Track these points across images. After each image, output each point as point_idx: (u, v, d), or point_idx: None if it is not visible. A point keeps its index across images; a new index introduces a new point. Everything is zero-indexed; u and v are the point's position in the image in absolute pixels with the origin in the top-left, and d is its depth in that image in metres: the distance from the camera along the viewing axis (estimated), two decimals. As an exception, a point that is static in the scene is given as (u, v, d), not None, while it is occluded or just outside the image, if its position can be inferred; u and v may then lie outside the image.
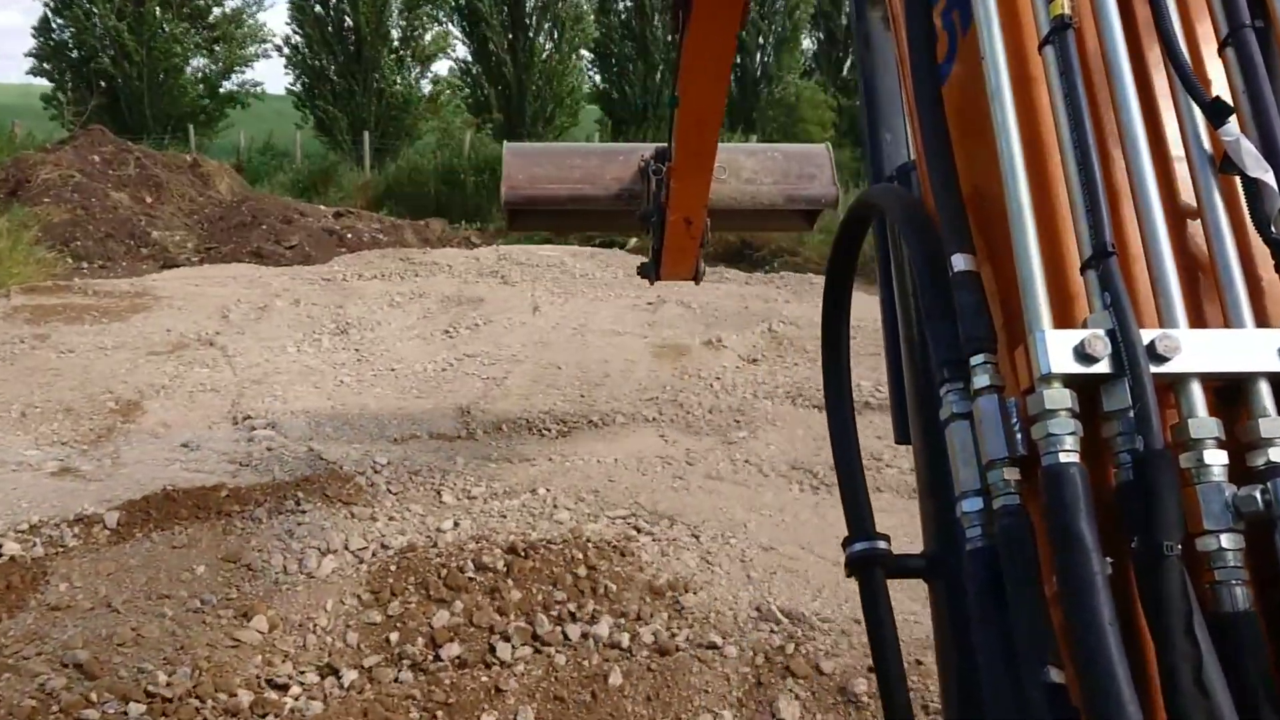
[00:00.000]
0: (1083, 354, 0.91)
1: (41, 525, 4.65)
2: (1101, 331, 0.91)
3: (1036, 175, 1.03)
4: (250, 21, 33.39)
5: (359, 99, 29.64)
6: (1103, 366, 0.91)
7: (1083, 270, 0.96)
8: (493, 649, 3.81)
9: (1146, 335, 0.91)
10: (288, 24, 32.50)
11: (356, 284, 11.21)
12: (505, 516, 4.90)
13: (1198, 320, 0.97)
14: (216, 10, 32.51)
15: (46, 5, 29.99)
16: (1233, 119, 0.98)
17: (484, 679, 3.66)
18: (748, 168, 5.34)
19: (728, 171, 5.24)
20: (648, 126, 28.64)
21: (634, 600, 4.14)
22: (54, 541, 4.51)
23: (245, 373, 7.61)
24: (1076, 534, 0.86)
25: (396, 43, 30.89)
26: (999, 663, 0.93)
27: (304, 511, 4.87)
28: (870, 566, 1.29)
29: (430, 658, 3.77)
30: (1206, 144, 1.01)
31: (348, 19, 29.73)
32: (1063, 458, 0.89)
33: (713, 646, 3.86)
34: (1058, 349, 0.91)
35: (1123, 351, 0.90)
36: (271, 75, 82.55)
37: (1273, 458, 0.88)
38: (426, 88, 32.63)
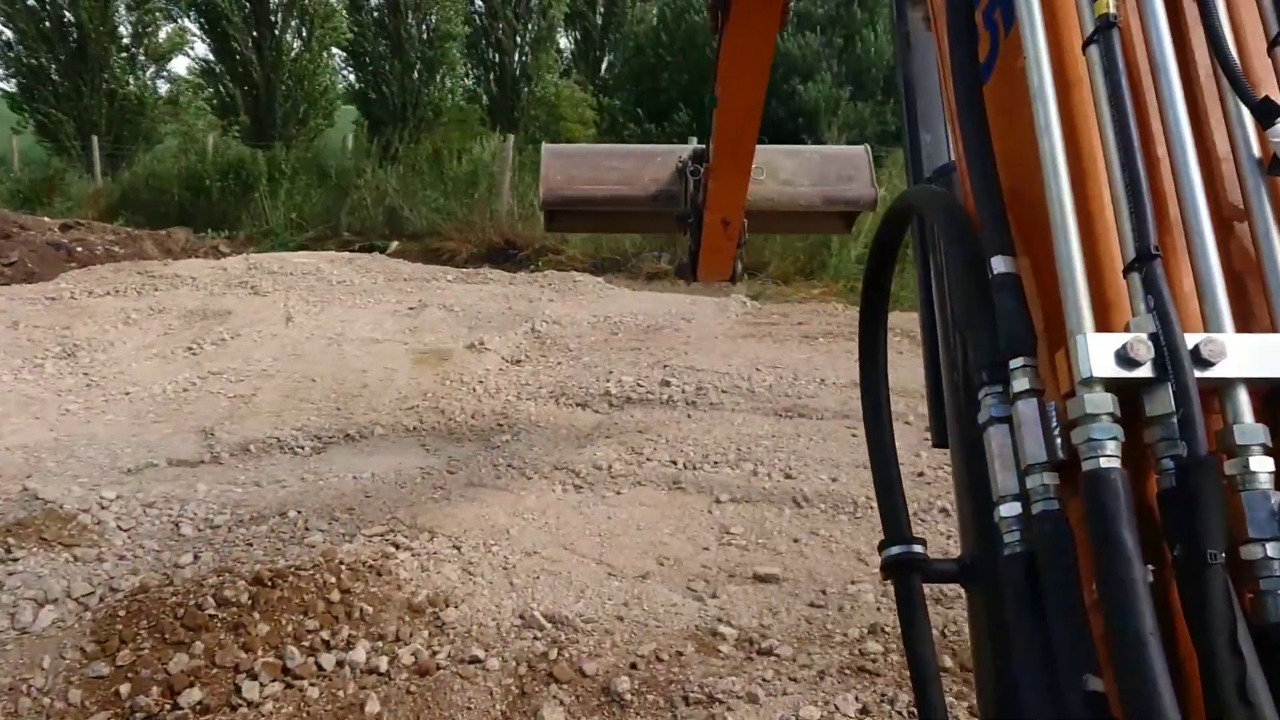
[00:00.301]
0: (1125, 358, 0.89)
1: None
2: (1144, 335, 0.90)
3: (1079, 176, 1.01)
4: (-49, 14, 30.14)
5: (86, 100, 27.30)
6: (1145, 371, 0.89)
7: (1125, 273, 0.94)
8: (238, 689, 3.55)
9: (1191, 339, 0.89)
10: (-3, 17, 29.53)
11: (87, 302, 10.29)
12: (251, 545, 4.60)
13: (1244, 325, 0.94)
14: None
15: None
16: None
17: (227, 723, 3.40)
18: (786, 168, 5.30)
19: (765, 173, 5.19)
20: (406, 127, 27.96)
21: (392, 621, 3.98)
22: None
23: (-50, 407, 6.81)
24: (1118, 540, 0.85)
25: (127, 40, 28.68)
26: (1037, 670, 0.92)
27: (15, 560, 4.38)
28: (906, 571, 1.26)
29: (168, 707, 3.47)
30: (1255, 145, 1.00)
31: (67, 14, 27.32)
32: (1104, 463, 0.88)
33: (475, 660, 3.76)
34: (1099, 352, 0.90)
35: (1166, 356, 0.88)
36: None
37: None
38: (164, 88, 30.51)
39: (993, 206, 1.09)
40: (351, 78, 31.42)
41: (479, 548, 4.63)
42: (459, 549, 4.62)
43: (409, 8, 29.68)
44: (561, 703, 3.55)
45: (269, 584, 4.12)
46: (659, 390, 6.96)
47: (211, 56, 29.41)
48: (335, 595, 4.07)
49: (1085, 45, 1.04)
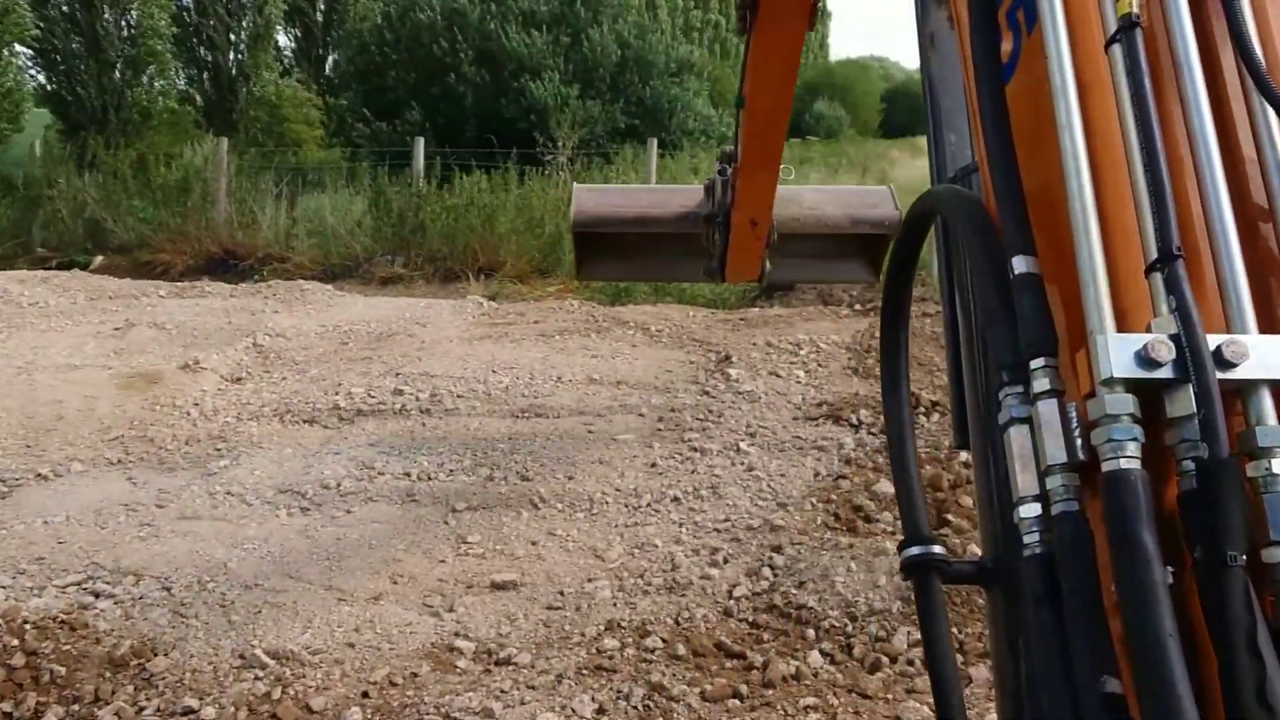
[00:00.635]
0: (1146, 358, 0.88)
1: None
2: (1165, 336, 0.88)
3: (1101, 176, 1.00)
4: None
5: None
6: (1166, 372, 0.87)
7: (1147, 273, 0.93)
8: (-103, 782, 3.09)
9: (1213, 340, 0.87)
10: None
11: None
12: (-85, 612, 4.03)
13: (1268, 326, 0.93)
14: None
15: None
16: None
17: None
18: (809, 199, 5.49)
19: (790, 203, 5.31)
20: (106, 132, 25.71)
21: (89, 680, 3.59)
22: None
23: None
24: (1137, 542, 0.83)
25: None
26: (1056, 671, 0.90)
27: None
28: (925, 572, 1.22)
29: None
30: (1279, 145, 0.99)
31: None
32: (1124, 464, 0.86)
33: (189, 712, 3.45)
34: (1120, 353, 0.88)
35: (1188, 356, 0.86)
36: None
37: None
38: None
39: (1014, 206, 1.08)
40: (41, 78, 28.57)
41: (192, 587, 4.27)
42: (169, 590, 4.25)
43: (105, 2, 27.31)
44: (286, 745, 3.33)
45: (-66, 656, 3.62)
46: (392, 400, 6.73)
47: None
48: (19, 660, 3.63)
49: (1108, 45, 1.04)
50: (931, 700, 3.29)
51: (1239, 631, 0.80)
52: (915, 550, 1.24)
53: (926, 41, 2.06)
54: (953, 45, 1.88)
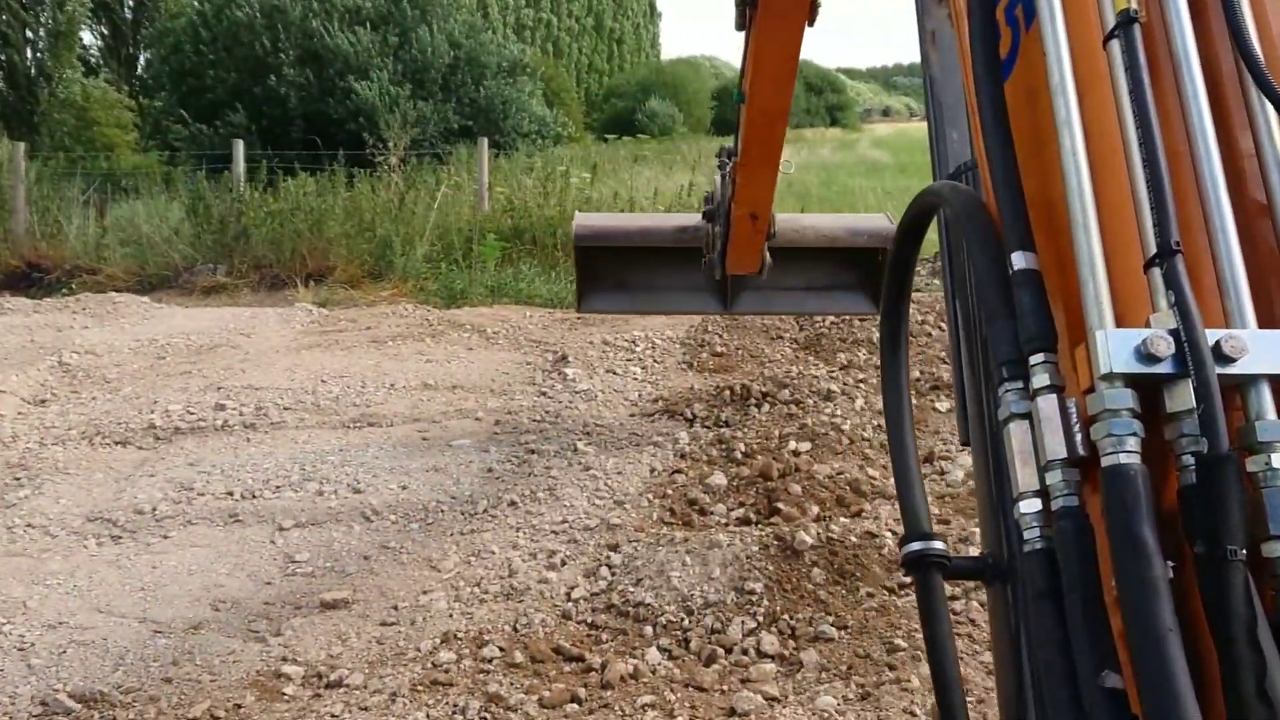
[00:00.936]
0: (1145, 353, 0.87)
1: None
2: (1165, 331, 0.88)
3: (1100, 172, 0.99)
4: None
5: None
6: (1165, 367, 0.87)
7: (1146, 268, 0.92)
8: None
9: (1212, 335, 0.87)
10: None
11: None
12: None
13: (1267, 321, 0.92)
14: None
15: None
16: None
17: None
18: (808, 220, 6.06)
19: (790, 223, 5.67)
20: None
21: None
22: None
23: None
24: (1137, 536, 0.83)
25: None
26: (1057, 666, 0.89)
27: None
28: (926, 568, 1.21)
29: None
30: (1278, 141, 0.98)
31: None
32: (1123, 458, 0.86)
33: (-18, 766, 3.19)
34: (1119, 348, 0.88)
35: (1187, 351, 0.86)
36: None
37: None
38: None
39: (1013, 202, 1.08)
40: None
41: (-14, 630, 3.94)
42: (-41, 636, 3.91)
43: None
44: (94, 793, 3.11)
45: None
46: (213, 415, 6.40)
47: None
48: None
49: (1106, 41, 1.03)
50: (765, 689, 3.34)
51: (1239, 626, 0.80)
52: (916, 546, 1.23)
53: (927, 39, 2.08)
54: (953, 43, 1.91)
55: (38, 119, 27.55)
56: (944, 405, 6.15)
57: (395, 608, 4.12)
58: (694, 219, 5.72)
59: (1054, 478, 0.94)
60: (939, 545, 1.23)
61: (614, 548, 4.45)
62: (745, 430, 5.84)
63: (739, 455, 5.44)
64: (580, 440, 5.86)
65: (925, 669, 3.46)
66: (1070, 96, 1.04)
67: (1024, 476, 0.99)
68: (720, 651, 3.65)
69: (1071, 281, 0.99)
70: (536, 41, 40.28)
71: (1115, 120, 1.01)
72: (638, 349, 7.55)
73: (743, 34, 4.12)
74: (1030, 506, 0.98)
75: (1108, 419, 0.88)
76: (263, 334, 8.76)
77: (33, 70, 28.32)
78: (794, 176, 16.64)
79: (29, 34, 28.18)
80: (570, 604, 4.06)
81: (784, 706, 3.33)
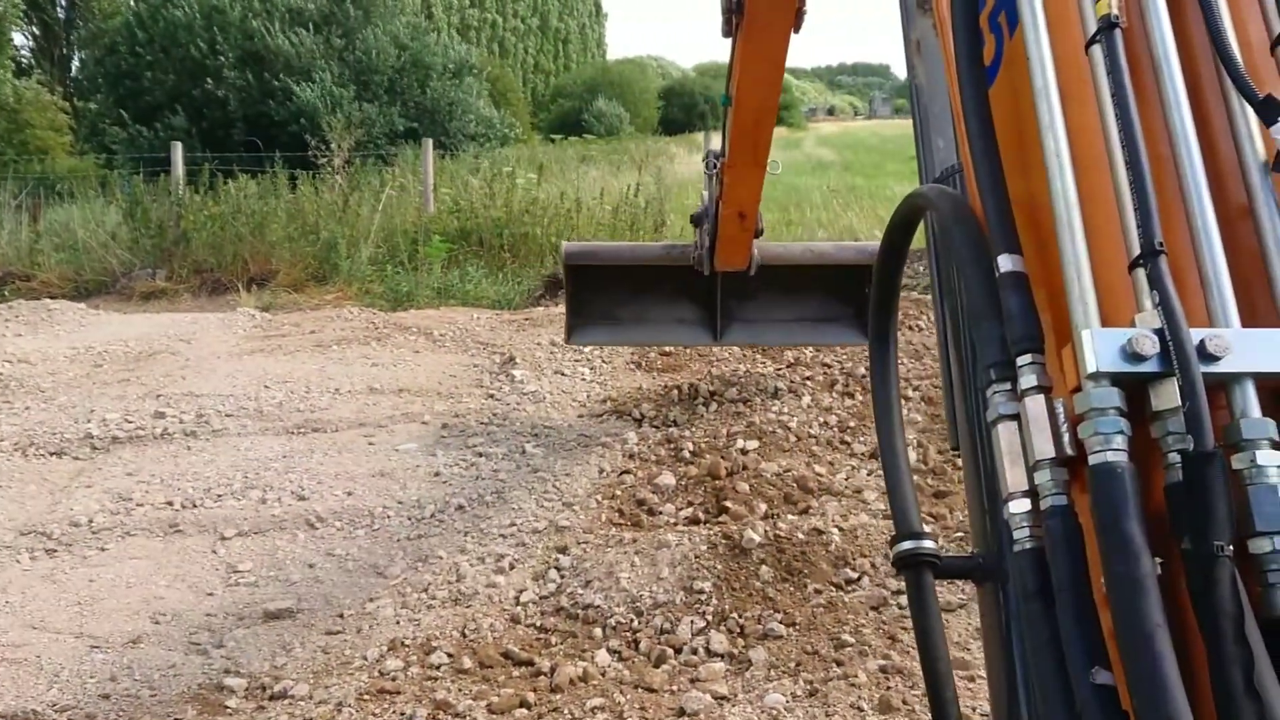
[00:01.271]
0: (1130, 353, 0.88)
1: None
2: (1150, 330, 0.89)
3: (1084, 175, 1.01)
4: None
5: None
6: (1151, 365, 0.88)
7: (1131, 269, 0.93)
8: None
9: (1196, 334, 0.88)
10: None
11: None
12: None
13: (1251, 320, 0.93)
14: None
15: None
16: None
17: None
18: (796, 247, 6.42)
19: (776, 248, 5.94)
20: None
21: None
22: None
23: None
24: (1125, 534, 0.84)
25: None
26: (1048, 664, 0.90)
27: None
28: (918, 566, 1.23)
29: None
30: (1259, 143, 1.00)
31: None
32: (1111, 457, 0.87)
33: (-91, 791, 3.08)
34: (1105, 347, 0.89)
35: (1171, 350, 0.87)
36: None
37: None
38: None
39: (999, 206, 1.09)
40: None
41: (-87, 650, 3.82)
42: (-115, 656, 3.78)
43: None
44: (28, 815, 3.02)
45: None
46: (152, 424, 6.26)
47: None
48: None
49: (1088, 46, 1.04)
50: (714, 688, 3.34)
51: (1227, 621, 0.81)
52: (907, 545, 1.24)
53: (912, 48, 2.11)
54: (938, 51, 1.97)
55: (-34, 122, 26.84)
56: (914, 394, 6.19)
57: (341, 616, 4.06)
58: (681, 242, 5.98)
59: (1042, 477, 0.95)
60: (929, 544, 1.25)
61: (563, 550, 4.43)
62: (693, 429, 5.85)
63: (687, 455, 5.45)
64: (528, 442, 5.83)
65: (872, 664, 3.49)
66: (1054, 101, 1.05)
67: (1013, 477, 1.00)
68: (669, 651, 3.65)
69: (1057, 283, 1.00)
70: (482, 42, 40.07)
71: (1098, 124, 1.02)
72: (586, 350, 7.53)
73: (728, 40, 4.18)
74: (1020, 507, 0.99)
75: (1095, 418, 0.89)
76: (203, 340, 8.60)
77: (-40, 72, 27.58)
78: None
79: (-43, 35, 27.45)
80: (519, 608, 4.04)
81: (733, 705, 3.34)
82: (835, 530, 4.36)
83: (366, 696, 3.47)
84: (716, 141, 5.61)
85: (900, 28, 2.16)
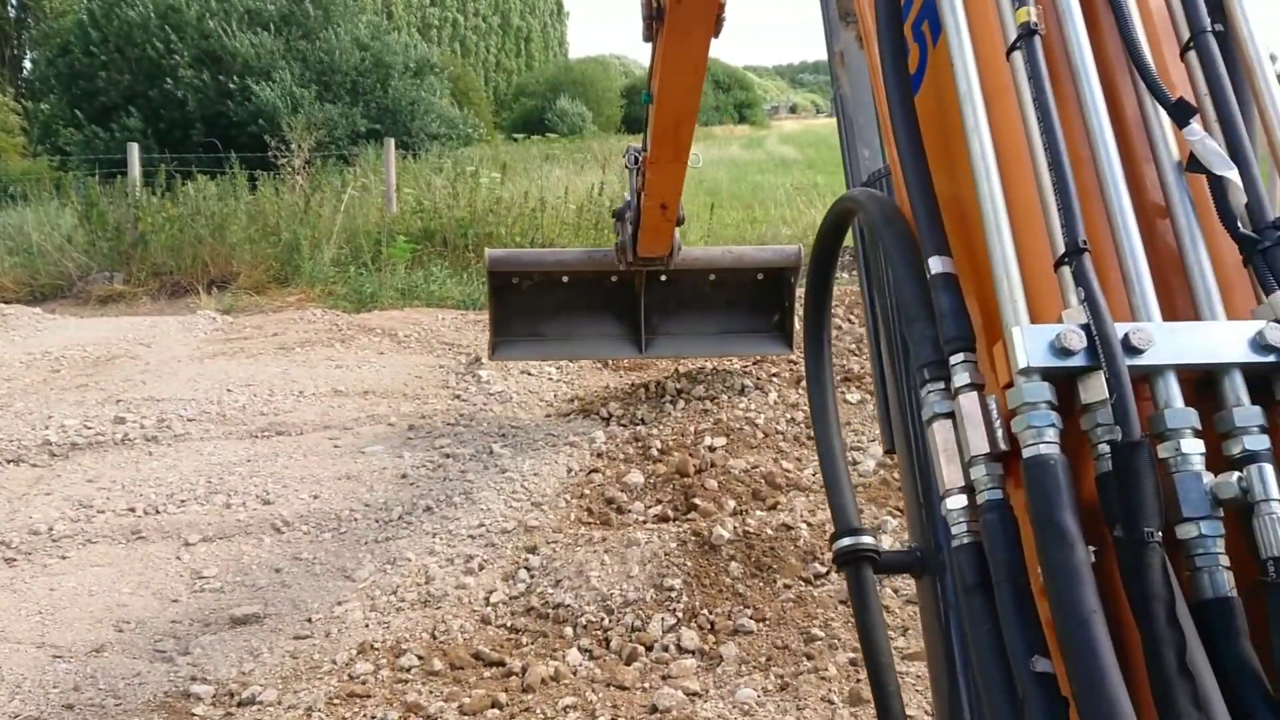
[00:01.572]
0: (1059, 348, 0.91)
1: None
2: (1076, 325, 0.91)
3: (1009, 177, 1.03)
4: None
5: None
6: (1079, 360, 0.91)
7: (1056, 267, 0.96)
8: None
9: (1121, 329, 0.91)
10: None
11: None
12: None
13: (1171, 314, 0.97)
14: None
15: None
16: (1196, 119, 1.00)
17: None
18: (717, 251, 6.44)
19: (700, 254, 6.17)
20: None
21: None
22: None
23: None
24: (1059, 523, 0.85)
25: None
26: (989, 655, 0.91)
27: None
28: (858, 562, 1.25)
29: None
30: (1173, 145, 1.03)
31: None
32: (1043, 449, 0.89)
33: None
34: (1034, 343, 0.91)
35: (1098, 344, 0.90)
36: None
37: (1248, 445, 0.89)
38: None
39: (928, 209, 1.11)
40: None
41: None
42: None
43: None
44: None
45: None
46: (112, 429, 6.18)
47: None
48: None
49: (1009, 52, 1.07)
50: (686, 685, 3.35)
51: (1159, 605, 0.83)
52: (846, 542, 1.27)
53: (836, 60, 2.13)
54: (862, 63, 2.00)
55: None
56: (854, 397, 6.25)
57: (309, 620, 4.03)
58: (602, 248, 6.22)
59: (978, 472, 0.97)
60: (869, 540, 1.27)
61: (532, 550, 4.42)
62: (661, 427, 5.86)
63: (655, 452, 5.46)
64: (496, 443, 5.81)
65: (841, 657, 3.52)
66: (978, 105, 1.08)
67: (949, 474, 1.01)
68: (641, 649, 3.65)
69: (986, 282, 1.02)
70: (443, 41, 39.86)
71: (1021, 127, 1.05)
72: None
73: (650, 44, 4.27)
74: (956, 502, 1.01)
75: (1027, 411, 0.91)
76: (163, 343, 8.49)
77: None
78: (704, 173, 16.79)
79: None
80: (489, 608, 4.02)
81: (705, 701, 3.35)
82: (804, 525, 4.38)
83: (336, 701, 3.45)
84: None
85: (825, 42, 2.20)
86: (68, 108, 22.25)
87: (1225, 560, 0.87)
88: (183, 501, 5.16)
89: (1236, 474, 0.88)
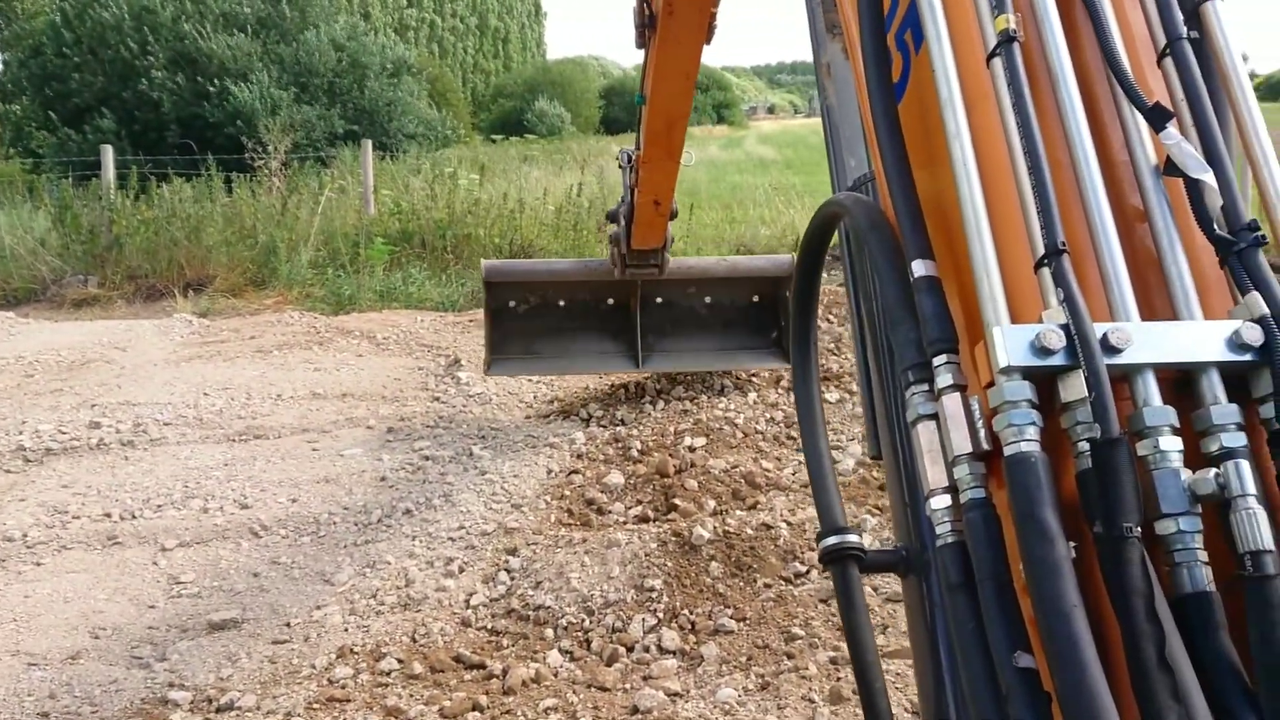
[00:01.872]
0: (1039, 347, 0.92)
1: None
2: (1056, 325, 0.93)
3: (989, 181, 1.05)
4: None
5: None
6: (1059, 359, 0.92)
7: (1036, 269, 0.98)
8: None
9: (1099, 328, 0.93)
10: None
11: None
12: None
13: (1149, 315, 0.99)
14: None
15: None
16: (1173, 123, 1.02)
17: None
18: (707, 261, 6.57)
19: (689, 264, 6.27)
20: None
21: None
22: None
23: None
24: (1040, 520, 0.87)
25: None
26: (973, 651, 0.93)
27: None
28: (843, 560, 1.27)
29: None
30: (1150, 149, 1.05)
31: None
32: (1024, 447, 0.91)
33: None
34: (1015, 343, 0.93)
35: (1077, 343, 0.91)
36: None
37: (1225, 443, 0.90)
38: None
39: (911, 215, 1.14)
40: None
41: None
42: None
43: None
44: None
45: None
46: (87, 434, 6.12)
47: None
48: None
49: (989, 59, 1.10)
50: (667, 685, 3.35)
51: (1139, 600, 0.84)
52: (832, 540, 1.28)
53: (824, 71, 2.16)
54: (848, 74, 2.06)
55: None
56: (833, 396, 6.27)
57: (288, 625, 4.00)
58: (596, 259, 6.28)
59: (961, 472, 0.98)
60: (854, 538, 1.28)
61: (512, 551, 4.41)
62: (641, 428, 5.86)
63: (635, 453, 5.45)
64: (475, 444, 5.80)
65: (822, 656, 3.53)
66: (959, 111, 1.10)
67: (933, 474, 1.03)
68: (621, 650, 3.65)
69: (968, 284, 1.05)
70: (420, 42, 39.72)
71: (1001, 132, 1.07)
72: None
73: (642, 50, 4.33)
74: (941, 502, 1.02)
75: (1008, 410, 0.93)
76: (139, 347, 8.42)
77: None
78: (683, 174, 16.73)
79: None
80: (469, 611, 4.01)
81: (686, 701, 3.35)
82: (783, 525, 4.39)
83: (316, 705, 3.43)
84: None
85: (811, 53, 2.24)
86: (40, 110, 22.04)
87: (1203, 555, 0.88)
88: (159, 506, 5.12)
89: (1214, 470, 0.90)
